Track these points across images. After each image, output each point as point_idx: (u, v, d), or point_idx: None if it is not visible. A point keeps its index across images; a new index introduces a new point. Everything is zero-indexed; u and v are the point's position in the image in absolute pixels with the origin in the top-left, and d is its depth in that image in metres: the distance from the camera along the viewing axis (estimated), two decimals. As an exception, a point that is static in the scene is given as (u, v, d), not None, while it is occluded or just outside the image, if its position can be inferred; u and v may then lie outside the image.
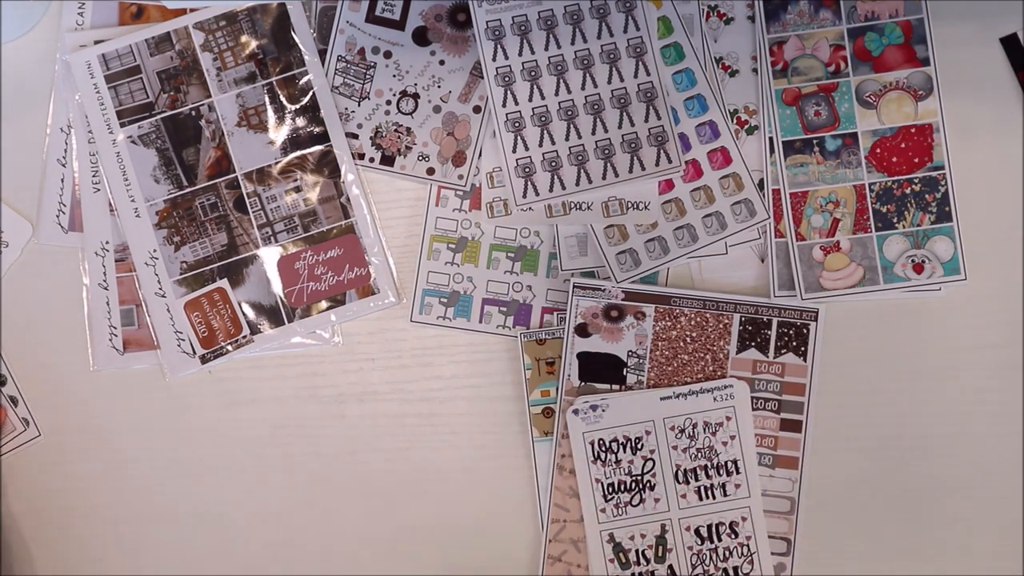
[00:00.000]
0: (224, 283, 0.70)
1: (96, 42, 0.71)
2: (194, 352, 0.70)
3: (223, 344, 0.70)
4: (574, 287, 0.68)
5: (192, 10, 0.71)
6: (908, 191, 0.68)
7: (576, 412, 0.67)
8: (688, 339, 0.68)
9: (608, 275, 0.68)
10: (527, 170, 0.68)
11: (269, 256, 0.70)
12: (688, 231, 0.68)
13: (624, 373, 0.68)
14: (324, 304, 0.70)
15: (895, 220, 0.68)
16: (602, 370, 0.68)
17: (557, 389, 0.68)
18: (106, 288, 0.71)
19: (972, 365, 0.68)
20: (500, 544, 0.69)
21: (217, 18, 0.71)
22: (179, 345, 0.70)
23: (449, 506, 0.70)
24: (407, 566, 0.70)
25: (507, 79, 0.69)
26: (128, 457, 0.71)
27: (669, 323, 0.68)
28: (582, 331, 0.68)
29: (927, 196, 0.68)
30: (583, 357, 0.68)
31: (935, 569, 0.68)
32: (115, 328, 0.70)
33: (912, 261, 0.68)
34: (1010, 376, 0.68)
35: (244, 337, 0.70)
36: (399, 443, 0.70)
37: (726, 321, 0.68)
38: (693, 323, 0.68)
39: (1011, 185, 0.69)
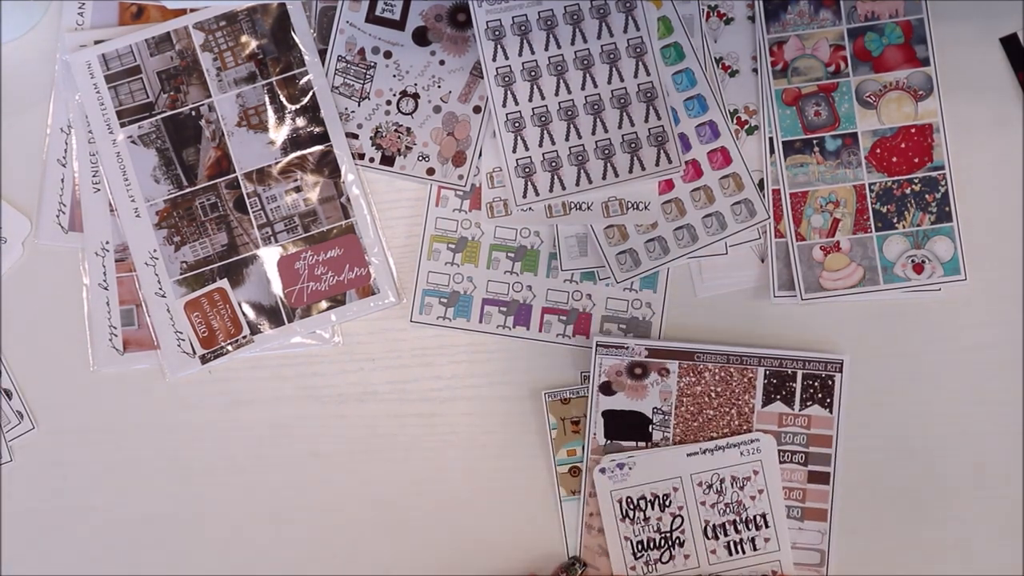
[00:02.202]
0: (224, 283, 0.70)
1: (96, 42, 0.71)
2: (194, 352, 0.70)
3: (223, 344, 0.70)
4: (597, 345, 0.67)
5: (192, 10, 0.71)
6: (908, 191, 0.68)
7: (603, 470, 0.67)
8: (713, 394, 0.67)
9: (608, 275, 0.68)
10: (527, 170, 0.68)
11: (269, 256, 0.70)
12: (688, 231, 0.68)
13: (650, 430, 0.68)
14: (324, 304, 0.70)
15: (895, 220, 0.68)
16: (627, 428, 0.68)
17: (583, 448, 0.68)
18: (106, 288, 0.71)
19: (972, 365, 0.68)
20: None
21: (217, 18, 0.71)
22: (179, 345, 0.70)
23: (449, 506, 0.70)
24: (407, 566, 0.70)
25: (507, 79, 0.69)
26: (128, 457, 0.71)
27: (693, 379, 0.67)
28: (606, 389, 0.68)
29: (927, 196, 0.68)
30: (608, 415, 0.68)
31: (935, 569, 0.68)
32: (115, 328, 0.70)
33: (912, 261, 0.68)
34: (1010, 376, 0.68)
35: (244, 337, 0.70)
36: (399, 443, 0.70)
37: (750, 375, 0.67)
38: (717, 378, 0.67)
39: (1011, 185, 0.69)
